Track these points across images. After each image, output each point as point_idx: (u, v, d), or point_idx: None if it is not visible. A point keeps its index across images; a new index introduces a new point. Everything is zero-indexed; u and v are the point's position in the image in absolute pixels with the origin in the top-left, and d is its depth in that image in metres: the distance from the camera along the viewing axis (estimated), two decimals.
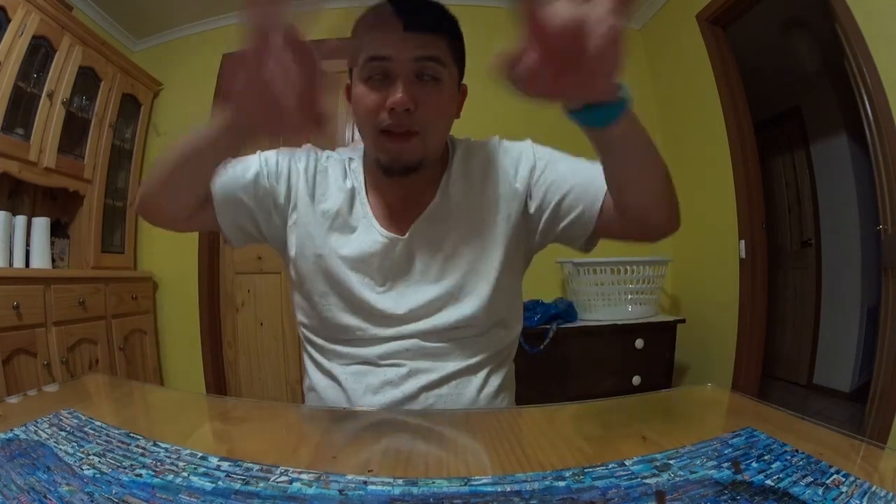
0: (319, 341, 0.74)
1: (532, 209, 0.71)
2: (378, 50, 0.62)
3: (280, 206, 0.72)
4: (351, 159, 0.76)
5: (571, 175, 0.68)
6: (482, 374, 0.71)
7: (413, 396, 0.68)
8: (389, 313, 0.69)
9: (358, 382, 0.69)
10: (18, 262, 1.87)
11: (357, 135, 0.71)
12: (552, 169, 0.70)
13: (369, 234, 0.70)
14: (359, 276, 0.70)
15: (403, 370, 0.68)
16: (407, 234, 0.70)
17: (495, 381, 0.72)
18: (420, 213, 0.71)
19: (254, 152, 0.75)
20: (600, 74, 0.38)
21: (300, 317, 0.77)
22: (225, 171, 0.69)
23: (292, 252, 0.72)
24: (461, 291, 0.69)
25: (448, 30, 0.65)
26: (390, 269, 0.70)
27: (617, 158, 0.54)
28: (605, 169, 0.57)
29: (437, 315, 0.69)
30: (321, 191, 0.73)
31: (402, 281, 0.70)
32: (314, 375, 0.76)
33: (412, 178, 0.68)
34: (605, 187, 0.62)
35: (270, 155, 0.74)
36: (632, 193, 0.58)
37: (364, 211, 0.72)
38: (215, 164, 0.60)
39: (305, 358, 0.79)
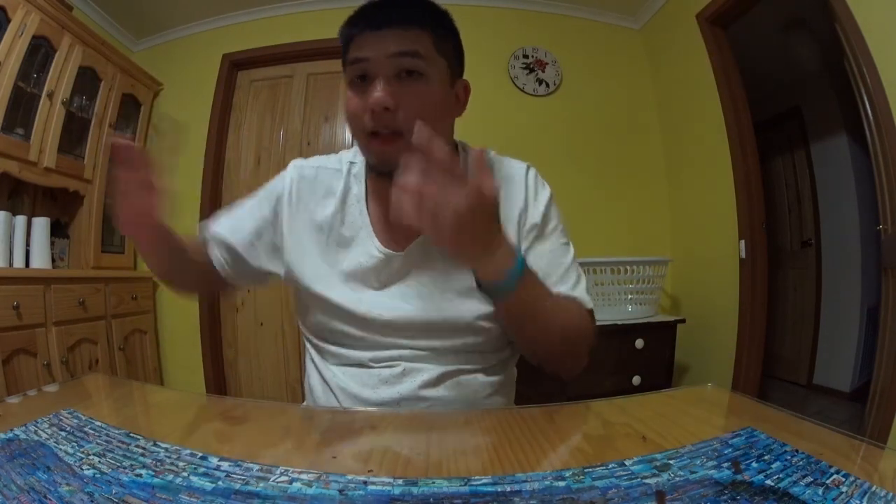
0: (316, 341, 0.75)
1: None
2: (356, 51, 0.62)
3: (275, 242, 0.74)
4: (353, 163, 0.75)
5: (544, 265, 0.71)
6: (480, 375, 0.71)
7: (409, 397, 0.68)
8: (383, 322, 0.68)
9: (353, 382, 0.69)
10: (18, 262, 1.87)
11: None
12: (541, 245, 0.71)
13: (365, 246, 0.70)
14: (353, 288, 0.69)
15: (398, 369, 0.68)
16: (405, 251, 0.69)
17: (495, 382, 0.72)
18: None
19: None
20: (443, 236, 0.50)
21: (299, 319, 0.78)
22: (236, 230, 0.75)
23: (289, 266, 0.73)
24: (458, 312, 0.68)
25: (430, 24, 0.63)
26: (386, 279, 0.70)
27: (513, 324, 0.66)
28: (512, 333, 0.68)
29: (433, 332, 0.69)
30: (311, 205, 0.73)
31: (396, 289, 0.69)
32: (312, 375, 0.76)
33: None
34: None
35: (261, 195, 0.77)
36: (525, 352, 0.70)
37: (363, 220, 0.71)
38: (152, 255, 0.72)
39: (307, 358, 0.79)
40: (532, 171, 0.75)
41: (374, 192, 0.72)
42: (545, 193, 0.74)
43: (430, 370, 0.68)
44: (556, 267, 0.71)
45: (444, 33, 0.65)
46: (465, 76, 0.72)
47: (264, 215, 0.75)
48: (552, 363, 0.68)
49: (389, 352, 0.69)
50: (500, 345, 0.74)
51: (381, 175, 0.67)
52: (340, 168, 0.74)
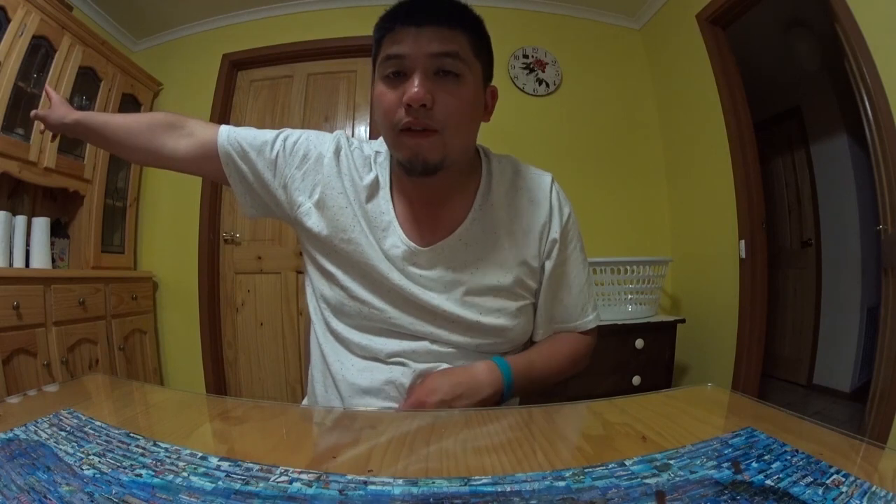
0: (333, 319, 0.73)
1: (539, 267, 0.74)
2: (394, 47, 0.61)
3: (292, 184, 0.72)
4: (378, 153, 0.75)
5: (564, 290, 0.75)
6: None
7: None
8: (412, 300, 0.68)
9: (363, 379, 0.69)
10: (18, 262, 1.88)
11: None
12: (563, 268, 0.74)
13: (389, 238, 0.70)
14: (389, 260, 0.69)
15: (408, 370, 0.68)
16: (430, 248, 0.69)
17: None
18: (447, 227, 0.70)
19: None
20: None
21: (319, 298, 0.75)
22: (241, 137, 0.74)
23: (316, 230, 0.71)
24: (481, 312, 0.69)
25: (468, 27, 0.63)
26: (407, 272, 0.69)
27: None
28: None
29: (455, 327, 0.69)
30: (353, 175, 0.72)
31: (423, 278, 0.69)
32: (316, 367, 0.75)
33: (436, 182, 0.67)
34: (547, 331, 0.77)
35: (293, 135, 0.75)
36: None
37: (389, 214, 0.71)
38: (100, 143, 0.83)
39: (313, 346, 0.77)
40: (556, 186, 0.76)
41: (399, 186, 0.72)
42: (567, 210, 0.76)
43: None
44: (577, 296, 0.76)
45: (481, 37, 0.65)
46: None
47: (297, 149, 0.73)
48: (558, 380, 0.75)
49: (406, 344, 0.69)
50: (515, 345, 0.74)
51: (409, 173, 0.66)
52: (371, 154, 0.75)
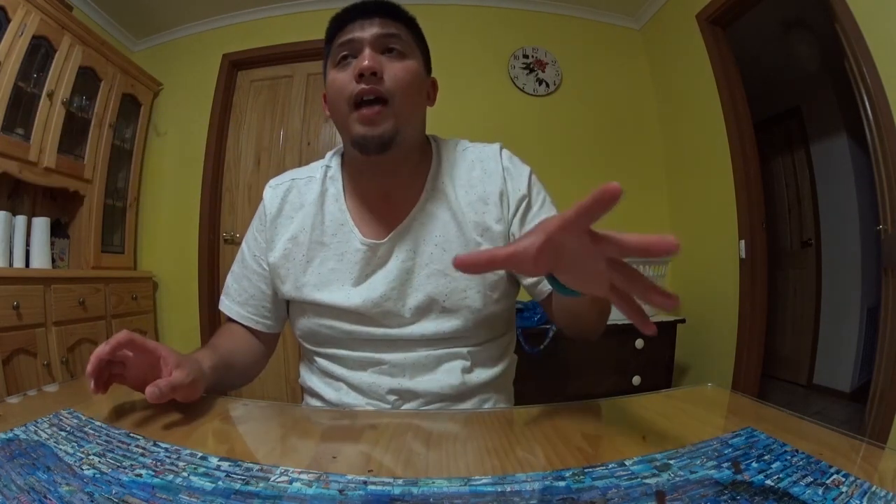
0: (310, 347, 0.76)
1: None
2: (344, 35, 0.67)
3: (275, 270, 0.75)
4: (328, 167, 0.76)
5: None
6: (472, 363, 0.70)
7: (402, 391, 0.68)
8: (370, 311, 0.68)
9: (347, 384, 0.71)
10: (18, 262, 1.88)
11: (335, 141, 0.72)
12: (543, 216, 0.72)
13: (348, 241, 0.71)
14: (340, 284, 0.70)
15: (386, 367, 0.69)
16: (387, 238, 0.69)
17: (490, 371, 0.72)
18: (404, 213, 0.70)
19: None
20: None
21: (292, 328, 0.79)
22: (230, 290, 0.80)
23: (279, 281, 0.75)
24: (442, 290, 0.68)
25: (407, 22, 0.70)
26: (371, 269, 0.70)
27: (574, 313, 0.62)
28: (562, 314, 0.65)
29: (422, 314, 0.69)
30: (288, 220, 0.75)
31: (381, 277, 0.69)
32: (309, 378, 0.77)
33: (389, 164, 0.68)
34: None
35: (249, 236, 0.79)
36: (573, 332, 0.68)
37: (343, 217, 0.72)
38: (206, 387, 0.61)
39: (303, 363, 0.80)
40: (505, 151, 0.76)
41: (352, 189, 0.74)
42: (525, 169, 0.75)
43: (421, 366, 0.69)
44: None
45: (418, 33, 0.72)
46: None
47: (259, 242, 0.77)
48: (588, 338, 0.69)
49: (379, 349, 0.70)
50: (488, 327, 0.72)
51: (363, 155, 0.67)
52: (313, 175, 0.76)
